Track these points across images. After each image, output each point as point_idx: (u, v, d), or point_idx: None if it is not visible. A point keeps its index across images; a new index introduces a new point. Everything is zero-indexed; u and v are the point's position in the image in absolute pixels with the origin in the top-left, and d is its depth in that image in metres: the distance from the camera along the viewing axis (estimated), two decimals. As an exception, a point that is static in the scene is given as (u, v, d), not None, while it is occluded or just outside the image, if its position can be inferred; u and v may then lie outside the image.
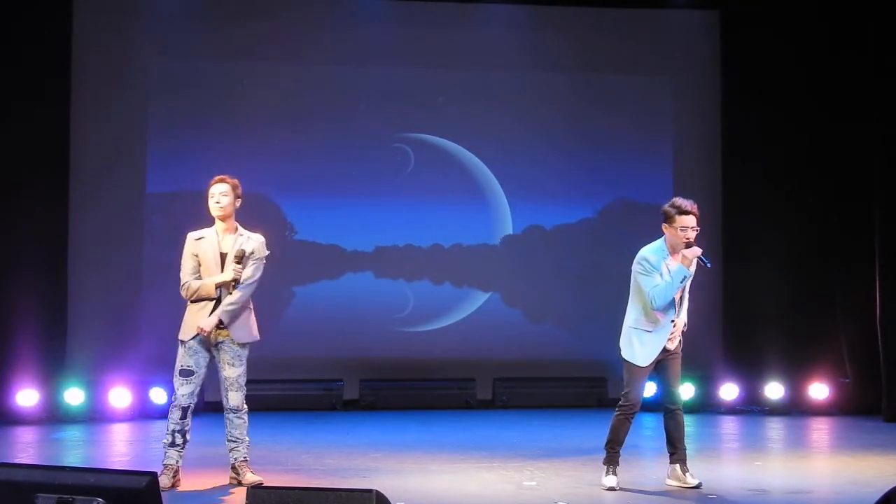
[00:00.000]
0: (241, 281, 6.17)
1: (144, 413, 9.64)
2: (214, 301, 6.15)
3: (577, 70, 11.08)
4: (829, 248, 10.35)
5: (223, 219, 6.25)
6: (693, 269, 6.04)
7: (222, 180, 6.28)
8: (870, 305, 9.73)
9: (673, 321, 6.04)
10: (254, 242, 6.28)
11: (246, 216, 6.45)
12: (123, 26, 10.42)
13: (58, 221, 9.95)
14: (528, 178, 10.95)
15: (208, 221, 6.33)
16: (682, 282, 5.92)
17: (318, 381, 10.46)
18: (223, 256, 6.19)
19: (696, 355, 9.79)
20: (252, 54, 10.63)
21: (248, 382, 6.27)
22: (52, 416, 9.44)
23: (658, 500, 5.85)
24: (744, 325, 10.61)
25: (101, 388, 9.68)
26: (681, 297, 6.12)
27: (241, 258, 6.16)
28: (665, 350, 6.09)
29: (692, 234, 5.95)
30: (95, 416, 9.53)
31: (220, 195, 6.23)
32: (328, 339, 10.55)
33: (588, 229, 10.99)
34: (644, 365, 6.05)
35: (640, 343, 6.04)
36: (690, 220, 5.96)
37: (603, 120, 11.06)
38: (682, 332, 6.17)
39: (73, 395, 9.56)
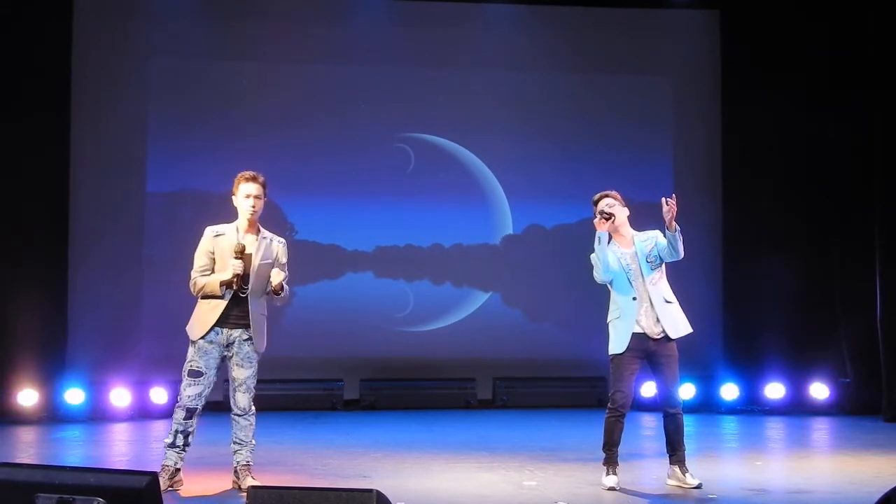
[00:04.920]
0: (281, 288, 5.97)
1: (144, 413, 9.64)
2: (227, 302, 5.84)
3: (578, 70, 11.08)
4: (830, 248, 10.34)
5: (253, 221, 5.93)
6: (644, 249, 6.24)
7: (255, 178, 5.88)
8: (870, 305, 9.73)
9: (634, 298, 6.09)
10: (281, 247, 6.05)
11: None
12: (123, 26, 10.43)
13: (58, 221, 9.97)
14: (529, 178, 10.96)
15: (210, 220, 6.09)
16: (598, 245, 6.27)
17: (318, 381, 10.46)
18: (246, 257, 5.83)
19: (696, 355, 9.80)
20: (252, 54, 10.63)
21: (249, 382, 6.13)
22: (52, 416, 9.44)
23: (658, 501, 5.85)
24: (744, 324, 10.62)
25: (101, 388, 9.68)
26: (640, 275, 6.17)
27: (240, 253, 5.82)
28: (652, 339, 6.10)
29: (607, 210, 6.33)
30: (95, 416, 9.53)
31: (255, 198, 5.86)
32: (328, 339, 10.54)
33: (588, 229, 10.89)
34: (615, 352, 6.12)
35: (613, 332, 6.19)
36: (599, 206, 6.37)
37: (603, 119, 11.07)
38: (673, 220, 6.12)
39: (73, 395, 9.57)
